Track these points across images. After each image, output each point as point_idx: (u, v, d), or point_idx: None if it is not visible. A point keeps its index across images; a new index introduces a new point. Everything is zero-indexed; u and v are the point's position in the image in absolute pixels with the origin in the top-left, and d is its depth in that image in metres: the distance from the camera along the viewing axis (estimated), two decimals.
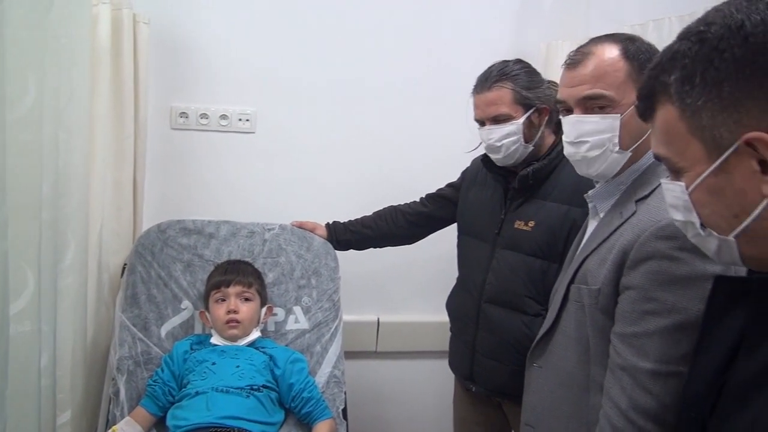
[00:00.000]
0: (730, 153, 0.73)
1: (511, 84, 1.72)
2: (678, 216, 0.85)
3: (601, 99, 1.28)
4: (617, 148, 1.28)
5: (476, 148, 1.91)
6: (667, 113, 0.79)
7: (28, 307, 1.41)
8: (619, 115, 1.26)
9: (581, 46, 1.34)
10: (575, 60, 1.32)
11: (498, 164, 1.80)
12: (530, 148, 1.74)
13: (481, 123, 1.78)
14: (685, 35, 0.76)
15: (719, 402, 0.82)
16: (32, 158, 1.39)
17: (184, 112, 2.34)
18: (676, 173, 0.82)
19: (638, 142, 1.27)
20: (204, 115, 2.35)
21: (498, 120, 1.73)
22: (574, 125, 1.32)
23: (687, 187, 0.80)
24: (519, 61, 1.79)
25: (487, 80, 1.74)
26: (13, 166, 1.29)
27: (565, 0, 2.46)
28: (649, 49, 1.28)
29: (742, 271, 0.88)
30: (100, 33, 1.86)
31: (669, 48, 0.79)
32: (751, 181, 0.72)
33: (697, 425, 0.84)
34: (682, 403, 0.94)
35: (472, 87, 1.80)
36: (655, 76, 0.80)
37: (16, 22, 1.30)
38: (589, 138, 1.30)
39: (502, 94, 1.72)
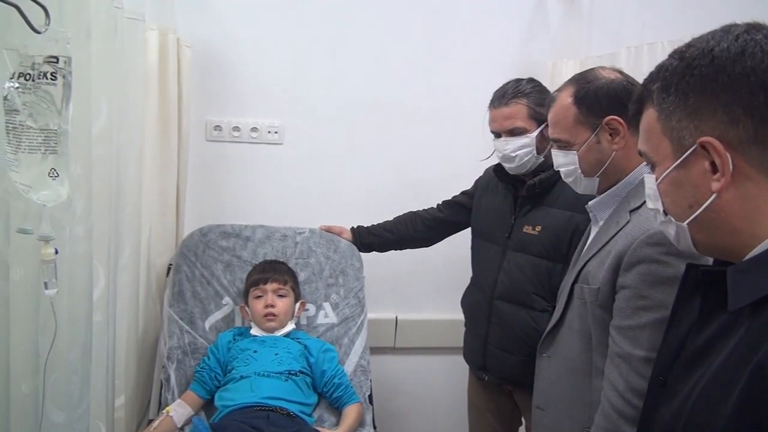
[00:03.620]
0: (689, 153, 0.86)
1: (526, 100, 1.87)
2: (650, 204, 0.99)
3: (559, 141, 1.53)
4: (583, 175, 1.50)
5: (490, 156, 2.07)
6: (649, 115, 0.93)
7: (100, 300, 1.60)
8: (575, 152, 1.49)
9: (557, 90, 1.57)
10: (547, 102, 1.58)
11: (510, 173, 1.95)
12: (541, 159, 1.89)
13: (497, 135, 1.92)
14: (672, 54, 0.92)
15: (675, 367, 0.97)
16: (106, 169, 1.59)
17: (218, 126, 2.51)
18: (652, 167, 0.97)
19: (603, 168, 1.46)
20: (236, 128, 2.51)
21: (513, 133, 1.88)
22: (554, 158, 1.58)
23: (657, 179, 0.94)
24: (531, 80, 1.94)
25: (504, 96, 1.89)
26: (95, 178, 1.49)
27: (569, 21, 2.62)
28: (598, 90, 1.45)
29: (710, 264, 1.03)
30: (149, 56, 2.03)
31: (660, 63, 0.94)
32: (703, 178, 0.85)
33: (661, 385, 1.00)
34: (654, 368, 1.07)
35: (489, 101, 1.95)
36: (645, 84, 0.96)
37: (97, 50, 1.49)
38: (561, 168, 1.56)
39: (518, 110, 1.87)
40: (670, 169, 0.90)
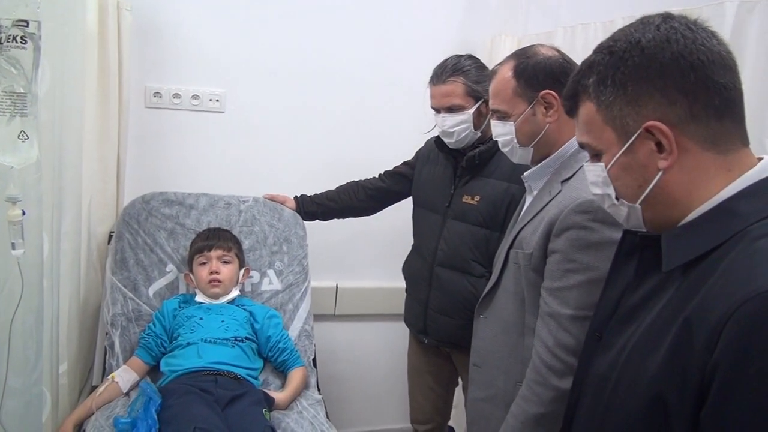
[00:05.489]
0: (635, 137, 0.93)
1: (463, 78, 1.92)
2: (597, 190, 1.05)
3: (498, 112, 1.59)
4: (519, 145, 1.57)
5: (431, 130, 2.12)
6: (587, 108, 0.99)
7: (45, 266, 1.58)
8: (512, 123, 1.56)
9: (498, 63, 1.62)
10: (489, 75, 1.64)
11: (450, 146, 2.02)
12: (478, 134, 1.96)
13: (437, 110, 1.98)
14: (599, 49, 0.99)
15: (611, 323, 1.07)
16: (50, 135, 1.56)
17: (157, 92, 2.47)
18: (596, 156, 1.04)
19: (537, 139, 1.54)
20: (176, 95, 2.49)
21: (452, 110, 1.93)
22: (492, 127, 1.65)
23: (605, 166, 0.99)
24: (470, 57, 1.99)
25: (443, 74, 1.94)
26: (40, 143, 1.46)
27: None
28: (536, 66, 1.52)
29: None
30: (88, 20, 1.97)
31: (587, 59, 1.01)
32: (650, 158, 0.92)
33: (597, 339, 1.10)
34: (591, 324, 1.15)
35: (429, 77, 1.99)
36: (577, 80, 1.02)
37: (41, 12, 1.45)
38: (499, 138, 1.62)
39: (455, 87, 1.92)
40: (618, 154, 0.97)
